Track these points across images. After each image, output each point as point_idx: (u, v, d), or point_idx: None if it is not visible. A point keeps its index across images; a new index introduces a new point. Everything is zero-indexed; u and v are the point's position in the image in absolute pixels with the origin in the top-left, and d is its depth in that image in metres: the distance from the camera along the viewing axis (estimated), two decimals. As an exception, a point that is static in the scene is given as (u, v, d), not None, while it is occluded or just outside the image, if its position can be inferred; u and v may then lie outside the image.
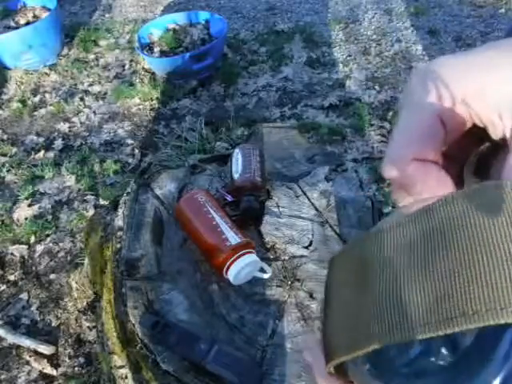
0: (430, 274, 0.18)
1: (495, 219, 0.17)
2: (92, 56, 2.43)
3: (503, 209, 0.17)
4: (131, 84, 2.17)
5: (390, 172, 0.24)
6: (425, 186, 0.23)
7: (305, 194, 0.85)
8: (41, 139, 1.93)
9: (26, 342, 1.20)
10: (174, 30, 2.22)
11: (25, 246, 1.48)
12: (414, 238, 0.19)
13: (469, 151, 0.25)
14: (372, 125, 1.82)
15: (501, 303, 0.15)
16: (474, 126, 0.23)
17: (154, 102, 2.07)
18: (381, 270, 0.20)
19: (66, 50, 2.47)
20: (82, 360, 1.18)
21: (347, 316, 0.21)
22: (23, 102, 2.14)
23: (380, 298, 0.19)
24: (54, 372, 1.17)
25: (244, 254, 0.68)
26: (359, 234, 0.23)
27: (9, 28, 2.26)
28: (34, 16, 2.33)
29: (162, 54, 2.14)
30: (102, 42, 2.52)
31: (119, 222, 0.79)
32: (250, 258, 0.68)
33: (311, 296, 0.70)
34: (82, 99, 2.13)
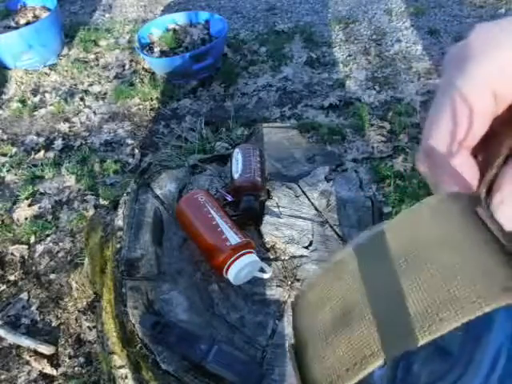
0: (411, 287, 0.18)
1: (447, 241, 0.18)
2: (92, 56, 2.43)
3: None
4: (131, 84, 2.17)
5: (426, 145, 0.20)
6: (453, 175, 0.20)
7: (305, 194, 0.85)
8: (41, 139, 1.93)
9: (26, 342, 1.20)
10: (174, 30, 2.22)
11: (25, 246, 1.48)
12: (391, 257, 0.20)
13: (496, 135, 0.22)
14: (372, 125, 1.81)
15: (478, 296, 0.16)
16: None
17: (154, 102, 2.07)
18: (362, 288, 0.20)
19: (66, 50, 2.47)
20: (82, 360, 1.18)
21: (333, 345, 0.19)
22: (23, 101, 2.14)
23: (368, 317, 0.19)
24: (54, 372, 1.17)
25: (244, 254, 0.68)
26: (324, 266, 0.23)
27: (9, 28, 2.26)
28: (34, 16, 2.33)
29: (162, 54, 2.14)
30: (102, 42, 2.52)
31: (119, 221, 0.79)
32: (250, 258, 0.68)
33: (311, 296, 0.70)
34: (82, 99, 2.13)
